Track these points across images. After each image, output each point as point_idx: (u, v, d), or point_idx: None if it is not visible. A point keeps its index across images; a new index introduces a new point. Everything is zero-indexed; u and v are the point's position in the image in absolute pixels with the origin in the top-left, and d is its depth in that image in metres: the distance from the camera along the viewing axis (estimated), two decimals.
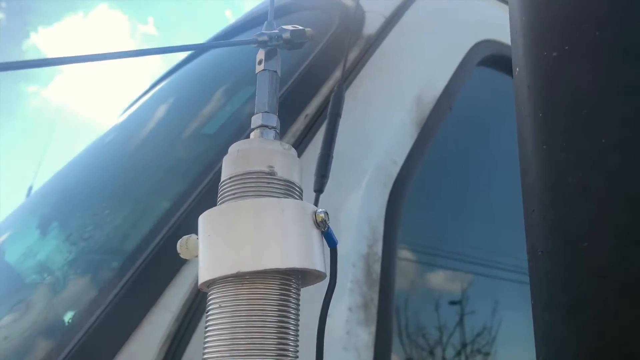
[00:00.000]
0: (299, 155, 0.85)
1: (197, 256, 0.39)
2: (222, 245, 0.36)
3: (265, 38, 0.45)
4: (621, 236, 0.33)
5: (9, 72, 0.39)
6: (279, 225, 0.35)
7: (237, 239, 0.35)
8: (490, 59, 1.17)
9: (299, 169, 0.41)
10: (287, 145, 0.41)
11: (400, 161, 0.89)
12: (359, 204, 0.81)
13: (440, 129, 0.99)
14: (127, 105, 1.69)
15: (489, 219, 1.20)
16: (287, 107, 0.89)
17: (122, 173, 0.99)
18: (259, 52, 0.46)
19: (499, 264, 1.19)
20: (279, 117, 0.44)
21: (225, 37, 1.33)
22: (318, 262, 0.37)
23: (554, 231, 0.35)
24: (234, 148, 0.41)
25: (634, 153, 0.34)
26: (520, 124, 0.40)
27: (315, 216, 0.38)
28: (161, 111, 1.17)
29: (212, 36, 1.43)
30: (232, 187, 0.38)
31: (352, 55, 0.98)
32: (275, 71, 0.45)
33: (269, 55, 0.46)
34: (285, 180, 0.39)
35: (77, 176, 1.20)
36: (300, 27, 0.50)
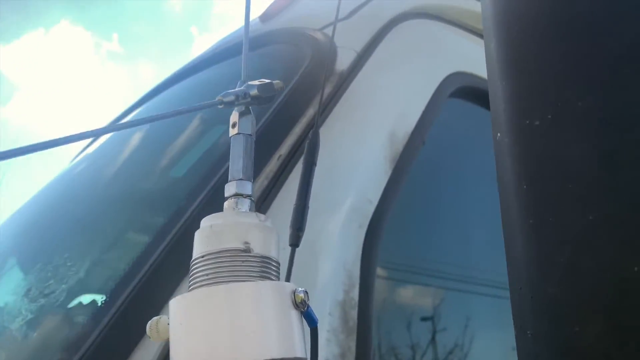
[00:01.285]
0: (272, 198, 0.83)
1: (167, 339, 0.36)
2: (195, 335, 0.33)
3: (231, 98, 0.43)
4: (613, 319, 0.32)
5: None
6: (256, 312, 0.33)
7: (211, 329, 0.33)
8: (462, 90, 1.18)
9: (276, 241, 0.39)
10: (262, 217, 0.39)
11: (375, 200, 0.87)
12: (334, 248, 0.79)
13: (414, 164, 0.99)
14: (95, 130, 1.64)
15: (465, 245, 1.20)
16: (260, 147, 0.86)
17: (94, 207, 0.95)
18: (233, 114, 0.44)
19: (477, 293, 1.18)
20: None
21: (196, 70, 1.31)
22: (298, 347, 0.35)
23: (543, 312, 0.33)
24: (206, 223, 0.38)
25: (622, 228, 0.33)
26: (503, 191, 0.39)
27: (294, 296, 0.35)
28: (131, 145, 1.13)
29: (180, 68, 1.40)
30: (205, 268, 0.36)
31: (325, 92, 0.97)
32: (250, 135, 0.43)
33: (242, 117, 0.43)
34: (261, 257, 0.37)
35: (46, 210, 1.14)
36: (268, 81, 0.48)
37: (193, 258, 0.37)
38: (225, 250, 0.36)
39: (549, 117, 0.37)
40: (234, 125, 0.43)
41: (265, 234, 0.38)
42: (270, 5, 1.32)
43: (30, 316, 0.83)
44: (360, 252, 0.81)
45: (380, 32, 1.12)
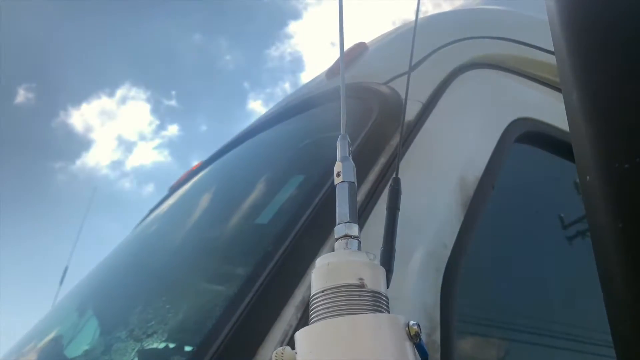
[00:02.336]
0: None
1: None
2: None
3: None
4: None
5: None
6: (377, 341, 0.37)
7: (338, 356, 0.37)
8: (526, 135, 1.20)
9: (384, 278, 0.43)
10: (372, 256, 0.43)
11: (450, 244, 0.90)
12: (414, 292, 0.81)
13: (485, 208, 1.01)
14: (171, 187, 1.75)
15: (541, 290, 1.18)
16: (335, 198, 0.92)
17: (185, 258, 1.01)
18: (337, 164, 0.49)
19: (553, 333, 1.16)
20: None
21: (262, 128, 1.39)
22: None
23: None
24: (322, 261, 0.43)
25: None
26: (595, 231, 0.42)
27: (408, 329, 0.39)
28: (207, 199, 1.21)
29: (247, 128, 1.49)
30: (325, 301, 0.40)
31: (393, 144, 1.01)
32: (353, 182, 0.48)
33: (345, 167, 0.49)
34: (374, 292, 0.41)
35: (126, 266, 1.23)
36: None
37: (313, 293, 0.41)
38: (342, 286, 0.40)
39: (637, 160, 0.40)
40: (338, 174, 0.48)
41: (375, 271, 0.42)
42: (335, 63, 1.41)
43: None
44: (439, 296, 0.83)
45: (443, 83, 1.17)
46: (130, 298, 1.01)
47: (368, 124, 1.05)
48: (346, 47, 1.44)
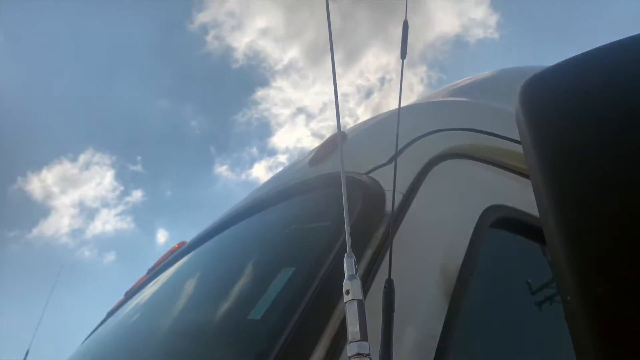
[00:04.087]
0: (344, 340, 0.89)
1: None
2: None
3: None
4: None
5: None
6: None
7: None
8: (500, 221, 1.27)
9: None
10: None
11: (437, 335, 0.93)
12: None
13: (467, 295, 1.05)
14: (149, 269, 1.74)
15: None
16: (328, 288, 0.95)
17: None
18: (345, 282, 0.54)
19: None
20: None
21: (245, 215, 1.43)
22: None
23: None
24: None
25: None
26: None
27: None
28: (194, 287, 1.22)
29: (226, 213, 1.53)
30: None
31: (379, 234, 1.07)
32: (362, 300, 0.52)
33: (353, 285, 0.53)
34: None
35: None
36: None
37: None
38: None
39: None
40: (347, 292, 0.52)
41: None
42: (317, 152, 1.48)
43: None
44: None
45: (421, 174, 1.25)
46: None
47: (354, 215, 1.11)
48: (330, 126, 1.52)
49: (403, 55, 1.17)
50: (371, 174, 1.27)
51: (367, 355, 0.49)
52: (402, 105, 1.32)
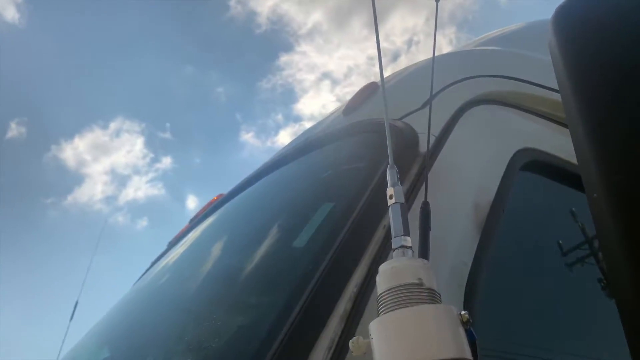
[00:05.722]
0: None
1: (365, 353, 0.50)
2: (397, 343, 0.47)
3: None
4: None
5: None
6: (440, 326, 0.47)
7: (411, 338, 0.46)
8: (530, 164, 1.31)
9: (436, 278, 0.53)
10: (425, 261, 0.53)
11: (469, 262, 1.00)
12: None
13: (498, 229, 1.11)
14: (191, 219, 1.84)
15: (552, 314, 1.27)
16: (367, 217, 1.02)
17: (223, 285, 1.10)
18: (389, 188, 0.60)
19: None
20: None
21: (284, 162, 1.50)
22: (467, 352, 0.47)
23: None
24: (386, 266, 0.53)
25: None
26: (602, 238, 0.52)
27: (461, 317, 0.49)
28: (241, 226, 1.31)
29: (268, 161, 1.61)
30: (393, 297, 0.50)
31: (413, 172, 1.12)
32: (404, 203, 0.59)
33: (396, 191, 0.59)
34: (429, 289, 0.51)
35: (159, 295, 1.31)
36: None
37: (381, 291, 0.51)
38: (405, 285, 0.50)
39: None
40: (391, 197, 0.59)
41: (429, 272, 0.52)
42: (351, 101, 1.54)
43: None
44: (462, 308, 0.92)
45: (453, 118, 1.29)
46: (183, 314, 1.10)
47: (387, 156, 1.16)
48: (359, 87, 1.57)
49: None
50: (404, 119, 1.32)
51: (409, 247, 0.55)
52: (437, 55, 1.35)
